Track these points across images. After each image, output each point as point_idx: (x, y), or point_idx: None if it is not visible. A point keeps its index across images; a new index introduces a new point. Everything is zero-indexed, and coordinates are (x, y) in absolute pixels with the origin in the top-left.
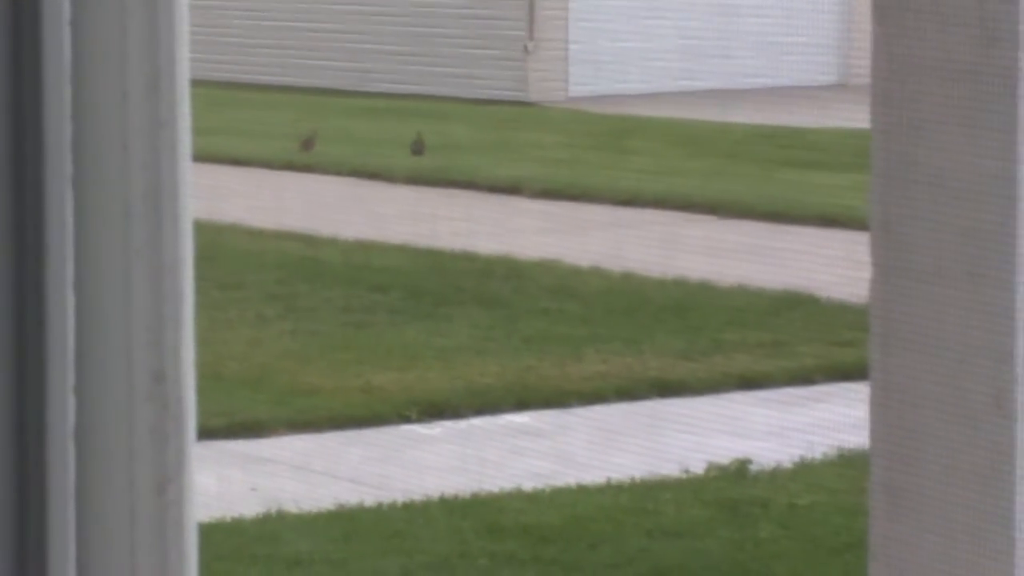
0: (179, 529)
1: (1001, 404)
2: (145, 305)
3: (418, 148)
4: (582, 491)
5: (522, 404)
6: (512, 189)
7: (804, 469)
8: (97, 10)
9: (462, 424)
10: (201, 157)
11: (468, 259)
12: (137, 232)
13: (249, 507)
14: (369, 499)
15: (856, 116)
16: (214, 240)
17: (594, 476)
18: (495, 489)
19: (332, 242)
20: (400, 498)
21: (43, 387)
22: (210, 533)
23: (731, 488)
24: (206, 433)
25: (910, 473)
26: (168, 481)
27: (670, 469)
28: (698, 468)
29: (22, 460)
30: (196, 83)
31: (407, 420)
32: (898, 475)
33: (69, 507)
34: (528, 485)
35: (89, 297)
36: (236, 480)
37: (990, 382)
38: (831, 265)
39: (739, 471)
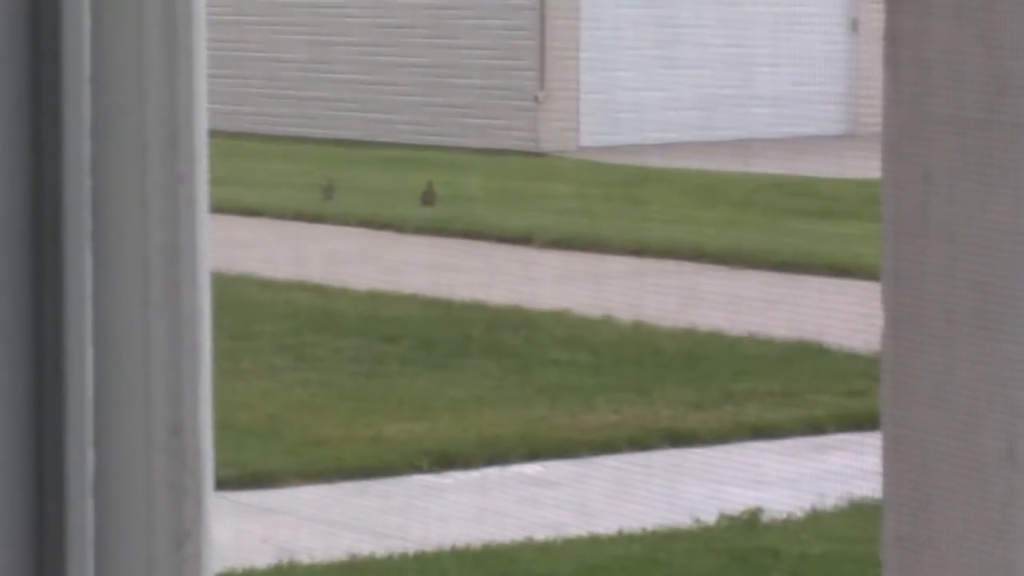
0: None
1: (1014, 456)
2: (163, 359)
3: (428, 198)
4: (594, 541)
5: (534, 454)
6: (524, 239)
7: (816, 519)
8: (117, 67)
9: (474, 474)
10: (214, 208)
11: (479, 309)
12: (155, 287)
13: (261, 558)
14: (381, 550)
15: (866, 166)
16: (226, 291)
17: (606, 526)
18: (507, 539)
19: (344, 292)
20: (412, 548)
21: (62, 440)
22: None
23: (743, 538)
24: (218, 484)
25: (922, 525)
26: (186, 535)
27: (682, 519)
28: (710, 518)
29: (41, 513)
30: (210, 133)
31: (419, 470)
32: (910, 527)
33: (88, 561)
34: (540, 535)
35: (107, 351)
36: (248, 531)
37: (1003, 434)
38: (842, 315)
39: (751, 521)
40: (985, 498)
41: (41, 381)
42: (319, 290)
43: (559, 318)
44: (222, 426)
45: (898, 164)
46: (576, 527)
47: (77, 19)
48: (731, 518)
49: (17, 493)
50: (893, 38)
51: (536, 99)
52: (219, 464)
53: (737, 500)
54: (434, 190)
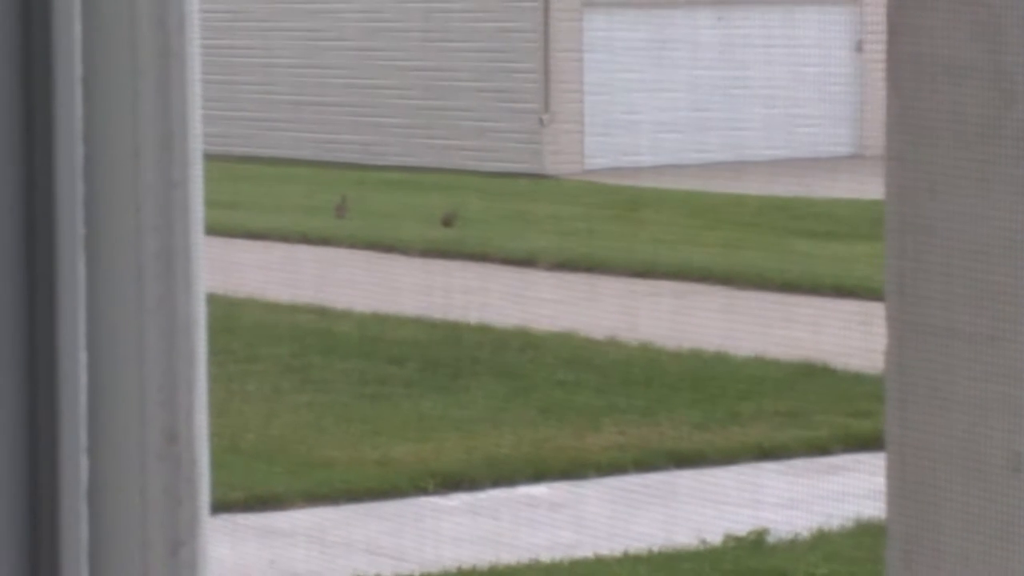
0: None
1: (1019, 466)
2: (158, 365)
3: (448, 219)
4: (600, 562)
5: (539, 475)
6: (528, 261)
7: (822, 539)
8: (109, 68)
9: (479, 495)
10: (216, 231)
11: (484, 331)
12: (149, 292)
13: None
14: (387, 571)
15: (869, 187)
16: (230, 313)
17: (612, 547)
18: (512, 560)
19: (347, 315)
20: (418, 570)
21: (56, 447)
22: None
23: (749, 558)
24: (223, 506)
25: (927, 536)
26: (181, 543)
27: (688, 540)
28: (716, 539)
29: (35, 520)
30: (211, 157)
31: (424, 492)
32: (915, 539)
33: (83, 568)
34: (546, 556)
35: (102, 357)
36: (253, 553)
37: (1007, 445)
38: (846, 335)
39: (757, 541)
40: (990, 508)
41: (35, 387)
42: (324, 312)
43: (564, 339)
44: (227, 448)
45: (901, 175)
46: (582, 548)
47: (69, 21)
48: (737, 539)
49: (11, 500)
50: (895, 57)
51: (541, 122)
52: (224, 486)
53: (743, 521)
54: (455, 212)
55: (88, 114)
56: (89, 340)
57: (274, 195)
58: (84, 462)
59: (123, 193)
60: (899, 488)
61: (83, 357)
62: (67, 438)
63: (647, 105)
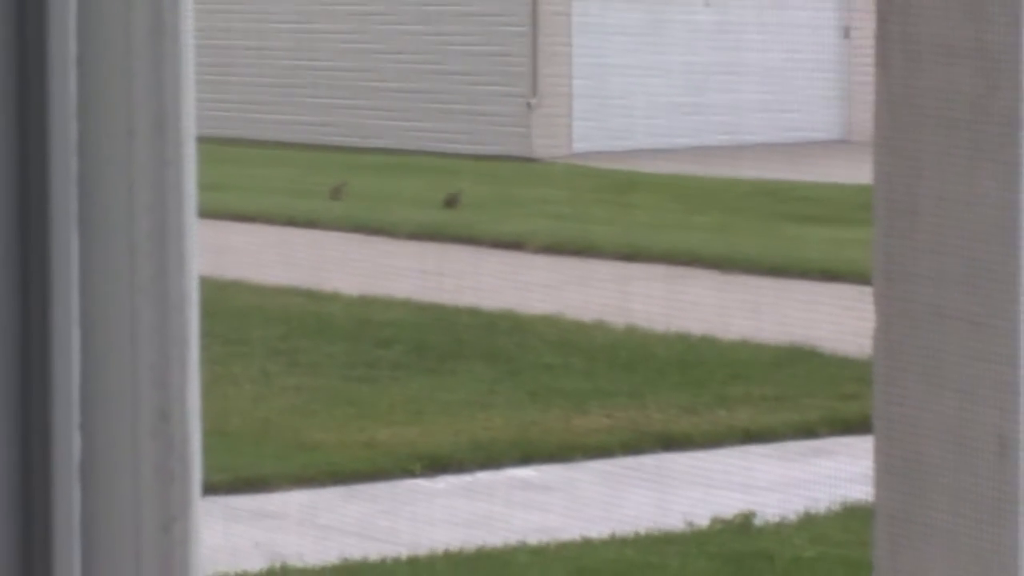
0: (185, 569)
1: (1004, 451)
2: (150, 344)
3: (452, 200)
4: (587, 545)
5: (527, 458)
6: (516, 244)
7: (809, 522)
8: (103, 49)
9: (467, 478)
10: (204, 213)
11: (472, 314)
12: (142, 271)
13: (253, 562)
14: (374, 554)
15: (857, 172)
16: (218, 296)
17: (599, 530)
18: (500, 543)
19: (335, 297)
20: (405, 553)
21: (49, 424)
22: None
23: (736, 541)
24: (210, 488)
25: (915, 519)
26: (173, 520)
27: (675, 523)
28: (703, 521)
29: (28, 497)
30: (199, 139)
31: (411, 474)
32: (903, 522)
33: (75, 545)
34: (533, 539)
35: (94, 335)
36: (241, 535)
37: (993, 428)
38: (833, 319)
39: (744, 524)
40: (978, 489)
41: (27, 365)
42: (311, 295)
43: (552, 322)
44: (215, 431)
45: (889, 161)
46: (569, 531)
47: (63, 0)
48: (724, 522)
49: (3, 477)
50: (884, 39)
51: (528, 105)
52: (211, 468)
53: (730, 504)
54: (459, 194)
55: (82, 93)
56: (82, 318)
57: (262, 177)
58: (77, 439)
59: (116, 172)
60: (887, 468)
61: (76, 335)
62: (60, 415)
63: (635, 89)
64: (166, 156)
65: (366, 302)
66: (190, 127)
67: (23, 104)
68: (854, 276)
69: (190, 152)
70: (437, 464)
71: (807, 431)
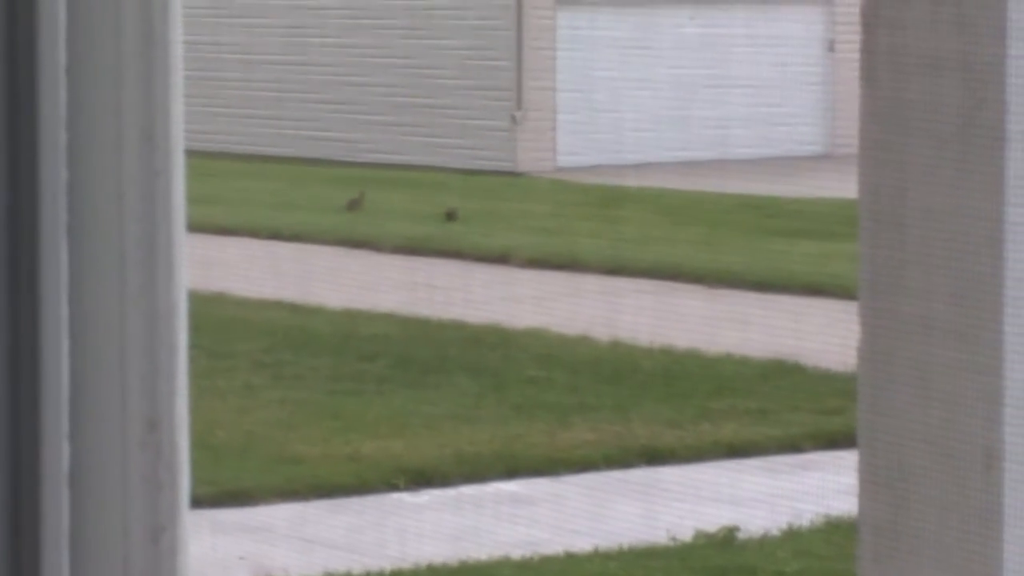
0: None
1: (990, 464)
2: (139, 353)
3: (452, 214)
4: (571, 559)
5: (511, 472)
6: (501, 258)
7: (792, 536)
8: (93, 58)
9: (451, 492)
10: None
11: (456, 328)
12: (131, 280)
13: (238, 575)
14: (357, 567)
15: (841, 186)
16: (202, 309)
17: (583, 544)
18: (484, 557)
19: (320, 311)
20: (388, 566)
21: (38, 432)
22: None
23: (719, 555)
24: (194, 501)
25: (900, 535)
26: (162, 530)
27: (659, 537)
28: (686, 536)
29: (16, 505)
30: (188, 153)
31: (395, 488)
32: (888, 538)
33: (63, 554)
34: (517, 553)
35: (83, 344)
36: (225, 548)
37: (979, 440)
38: (817, 333)
39: (727, 538)
40: (963, 504)
41: (17, 373)
42: (295, 308)
43: (536, 336)
44: (199, 444)
45: (874, 174)
46: (553, 545)
47: (54, 9)
48: (708, 536)
49: None
50: (870, 51)
51: (513, 119)
52: (196, 482)
53: (714, 518)
54: (457, 208)
55: (71, 102)
56: (71, 327)
57: (249, 191)
58: (66, 448)
59: (106, 181)
60: (871, 479)
61: (65, 344)
62: (49, 424)
63: (619, 103)
64: (155, 166)
65: (351, 315)
66: (179, 137)
67: (13, 113)
68: (839, 290)
69: (179, 162)
70: (421, 478)
71: (791, 445)
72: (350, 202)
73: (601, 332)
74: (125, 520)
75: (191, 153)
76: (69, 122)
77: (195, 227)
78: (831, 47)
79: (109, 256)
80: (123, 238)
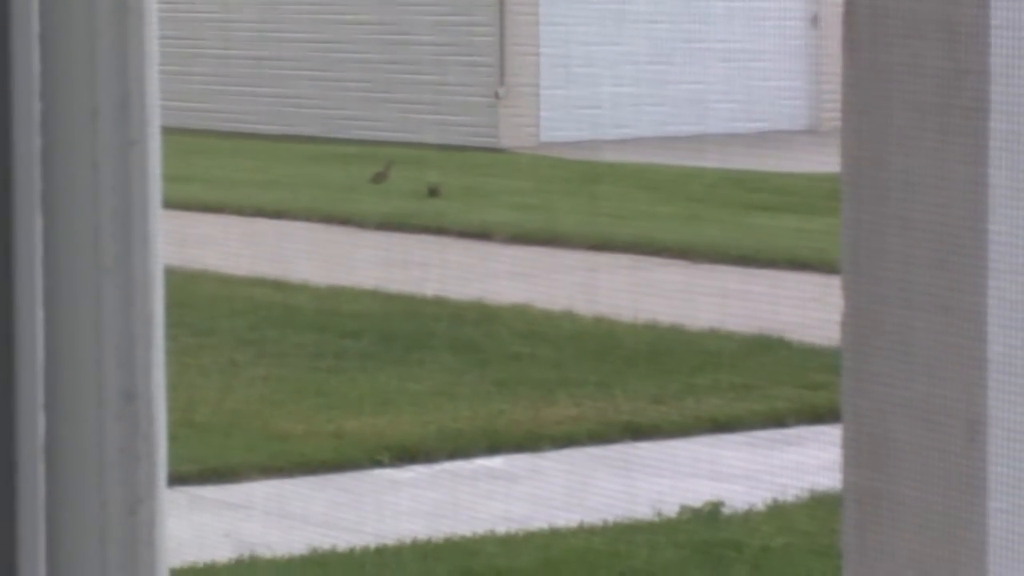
0: (151, 551)
1: (973, 435)
2: (115, 323)
3: (434, 189)
4: (555, 534)
5: (494, 448)
6: (483, 234)
7: (777, 511)
8: (66, 26)
9: (434, 468)
10: (171, 204)
11: (439, 304)
12: (107, 250)
13: (222, 552)
14: (342, 544)
15: (825, 161)
16: (185, 287)
17: (567, 519)
18: (468, 533)
19: (303, 288)
20: (373, 542)
21: (12, 403)
22: None
23: (704, 531)
24: (178, 479)
25: (884, 508)
26: (139, 502)
27: (643, 512)
28: (671, 511)
29: None
30: (165, 130)
31: (379, 464)
32: (871, 511)
33: (39, 526)
34: (501, 529)
35: (59, 314)
36: (209, 526)
37: (961, 412)
38: (802, 308)
39: (712, 514)
40: (946, 477)
41: None
42: (279, 286)
43: (519, 312)
44: (183, 422)
45: (857, 147)
46: (537, 520)
47: None
48: (693, 511)
49: None
50: (851, 22)
51: (496, 95)
52: (179, 459)
53: (698, 493)
54: (440, 184)
55: (45, 71)
56: (46, 298)
57: (228, 168)
58: (41, 419)
59: (81, 151)
60: (855, 450)
61: (40, 314)
62: (24, 395)
63: (603, 79)
64: (130, 135)
65: (334, 292)
66: (155, 107)
67: None
68: (822, 265)
69: (155, 132)
70: (405, 454)
71: (775, 420)
72: (376, 175)
73: (584, 308)
74: (102, 492)
75: (168, 130)
76: (43, 91)
77: (177, 205)
78: (815, 21)
79: (84, 226)
80: (98, 208)
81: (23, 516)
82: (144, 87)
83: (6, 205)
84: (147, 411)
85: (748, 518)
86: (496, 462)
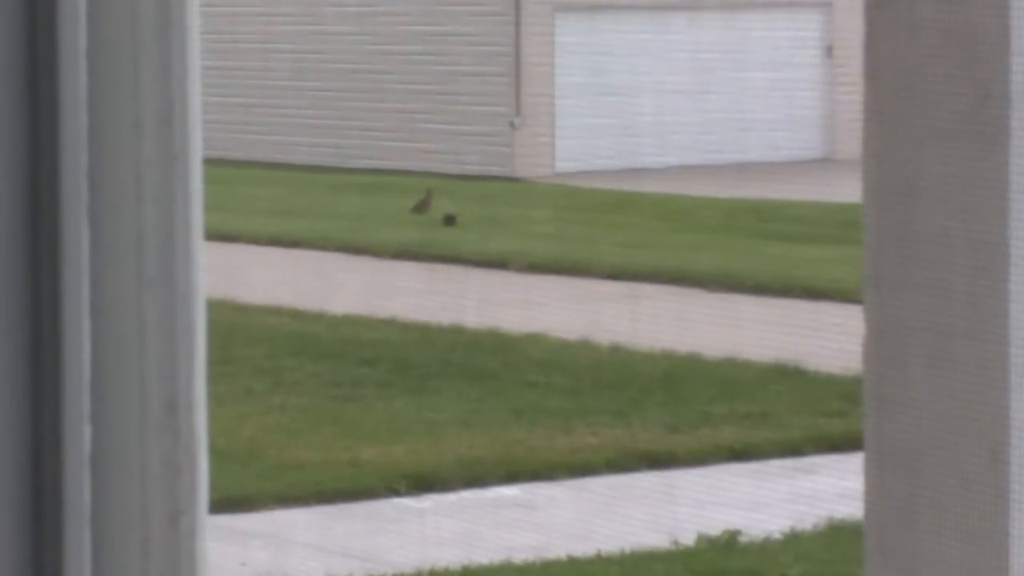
0: (191, 561)
1: (996, 460)
2: (158, 336)
3: (450, 219)
4: (572, 563)
5: (511, 477)
6: (500, 263)
7: (794, 540)
8: (112, 41)
9: (451, 497)
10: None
11: (456, 333)
12: (150, 262)
13: None
14: (359, 572)
15: (840, 190)
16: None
17: (584, 548)
18: (485, 561)
19: (320, 317)
20: (390, 571)
21: (59, 414)
22: None
23: (721, 559)
24: None
25: (906, 535)
26: (181, 513)
27: (660, 541)
28: (688, 540)
29: (38, 487)
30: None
31: (396, 493)
32: (893, 539)
33: (85, 536)
34: (518, 557)
35: (103, 327)
36: (226, 555)
37: (985, 438)
38: (817, 337)
39: (729, 542)
40: (969, 506)
41: (38, 356)
42: (295, 314)
43: (536, 341)
44: None
45: (878, 173)
46: (555, 549)
47: None
48: (710, 540)
49: (14, 467)
50: (873, 51)
51: (512, 125)
52: None
53: (715, 522)
54: (456, 213)
55: (91, 85)
56: (92, 309)
57: (244, 197)
58: (88, 431)
59: (125, 164)
60: (877, 491)
61: (87, 326)
62: (71, 407)
63: (617, 109)
64: (173, 149)
65: (350, 321)
66: (197, 121)
67: (34, 97)
68: (839, 294)
69: (197, 146)
70: (422, 483)
71: (791, 449)
72: (417, 204)
73: (601, 336)
74: (145, 503)
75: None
76: (89, 105)
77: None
78: (829, 52)
79: (128, 239)
80: (142, 221)
81: (69, 525)
82: (187, 101)
83: (54, 217)
84: (188, 423)
85: (765, 547)
86: (513, 491)
